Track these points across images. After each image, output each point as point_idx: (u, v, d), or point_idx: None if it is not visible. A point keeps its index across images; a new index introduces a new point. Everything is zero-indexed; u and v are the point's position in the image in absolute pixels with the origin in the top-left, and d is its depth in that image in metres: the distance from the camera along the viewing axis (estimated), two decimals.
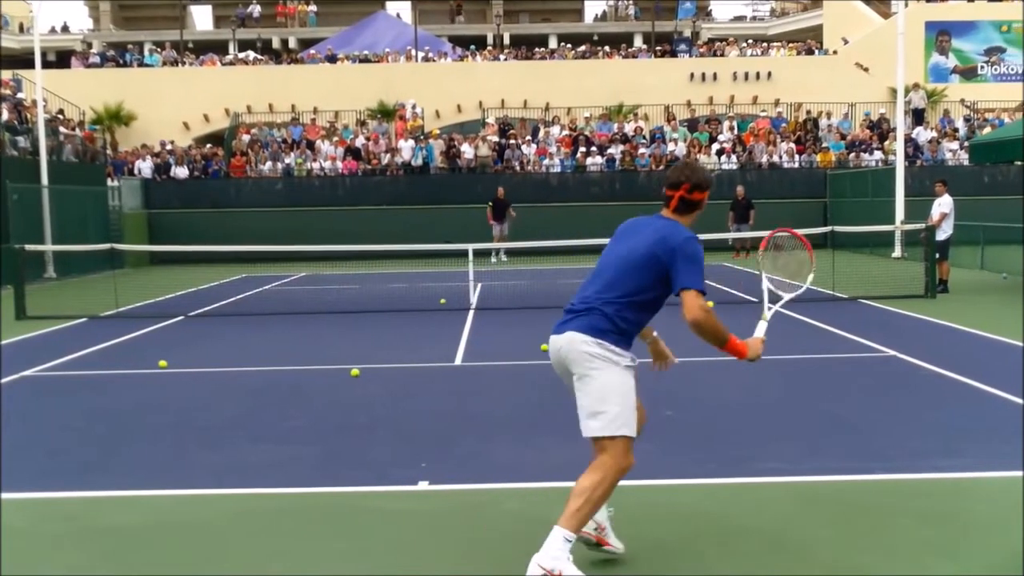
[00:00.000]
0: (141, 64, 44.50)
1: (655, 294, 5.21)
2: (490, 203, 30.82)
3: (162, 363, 12.29)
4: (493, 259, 29.68)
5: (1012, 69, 43.58)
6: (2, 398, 10.40)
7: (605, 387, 5.08)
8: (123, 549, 5.89)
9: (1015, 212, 23.86)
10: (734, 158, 36.03)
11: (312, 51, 47.82)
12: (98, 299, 19.32)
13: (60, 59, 51.49)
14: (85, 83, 40.10)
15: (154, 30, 60.84)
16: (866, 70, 41.71)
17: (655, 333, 5.55)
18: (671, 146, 36.48)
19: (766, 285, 5.86)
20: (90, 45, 56.50)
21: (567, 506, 5.01)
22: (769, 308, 5.66)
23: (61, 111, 34.30)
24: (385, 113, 39.49)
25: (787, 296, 5.85)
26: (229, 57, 47.64)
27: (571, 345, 5.16)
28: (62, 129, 31.52)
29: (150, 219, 33.42)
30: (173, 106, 40.14)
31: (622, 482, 5.27)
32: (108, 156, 36.20)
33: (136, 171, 34.90)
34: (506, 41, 56.55)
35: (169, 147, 36.70)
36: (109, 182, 32.00)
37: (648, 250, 5.18)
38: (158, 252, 30.59)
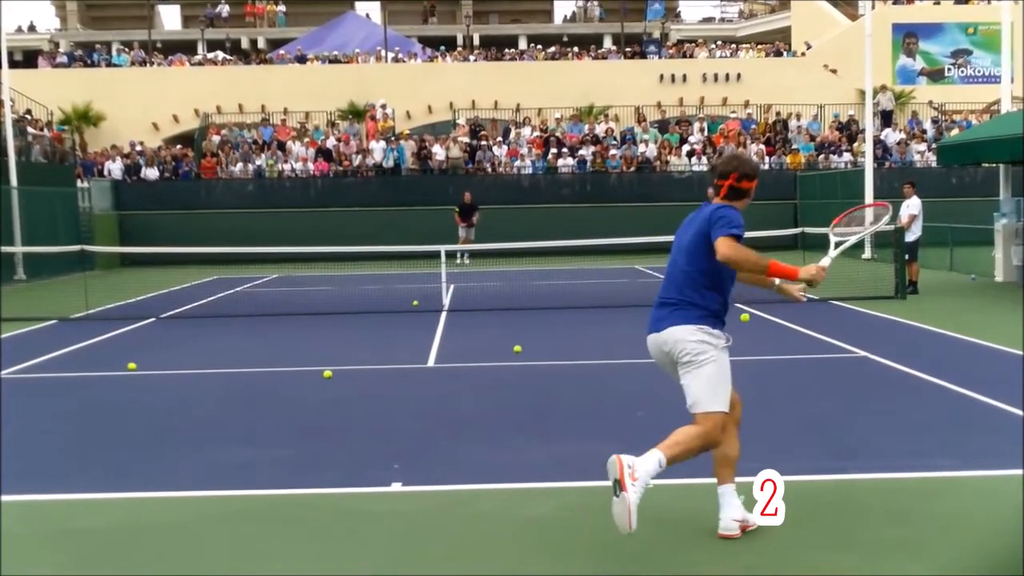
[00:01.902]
0: (109, 64, 44.25)
1: (720, 266, 5.67)
2: (457, 208, 30.77)
3: (131, 365, 12.21)
4: (458, 260, 29.60)
5: (979, 71, 43.95)
6: None
7: (704, 371, 5.61)
8: (96, 551, 5.87)
9: (983, 213, 24.03)
10: (704, 159, 36.17)
11: (281, 51, 47.70)
12: (68, 301, 19.22)
13: (27, 59, 51.14)
14: (53, 83, 39.84)
15: (122, 30, 60.50)
16: (834, 72, 41.96)
17: (777, 281, 6.00)
18: (642, 147, 36.60)
19: (833, 239, 6.40)
20: (57, 45, 56.15)
21: (668, 438, 5.54)
22: (836, 247, 6.25)
23: (29, 111, 34.07)
24: (356, 114, 39.43)
25: (859, 230, 6.49)
26: (198, 57, 47.48)
27: (675, 340, 5.67)
28: (30, 130, 31.32)
29: (121, 220, 33.25)
30: (142, 106, 39.92)
31: (594, 482, 5.72)
32: (77, 157, 35.99)
33: (106, 172, 34.73)
34: (476, 42, 56.56)
35: (139, 148, 36.55)
36: (79, 183, 31.82)
37: (698, 232, 5.74)
38: (129, 254, 30.46)
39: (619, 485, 5.26)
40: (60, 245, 24.68)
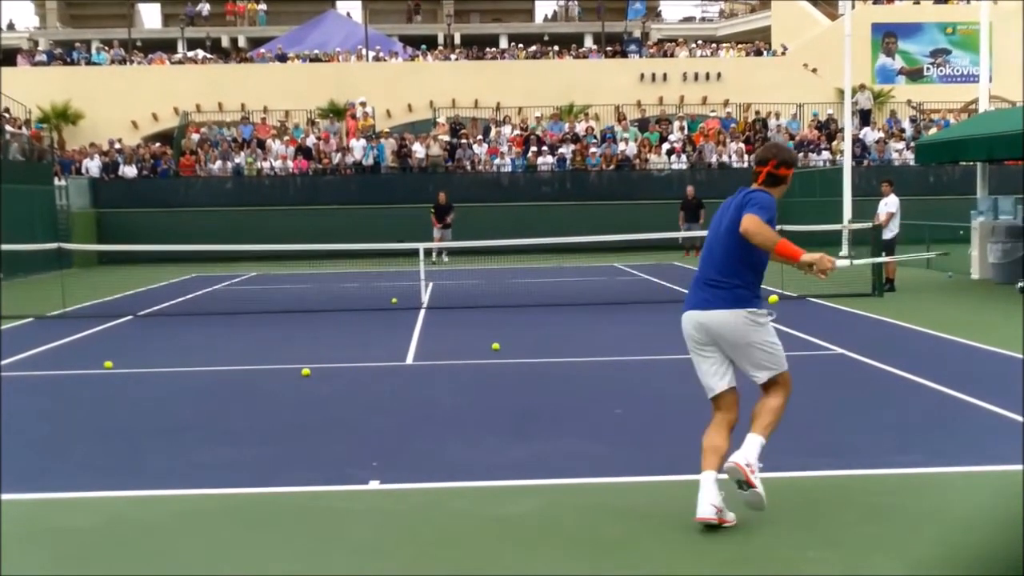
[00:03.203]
0: (88, 62, 43.98)
1: (755, 246, 5.98)
2: (432, 208, 30.68)
3: (107, 364, 12.17)
4: (434, 258, 29.33)
5: (957, 70, 44.17)
6: None
7: (764, 346, 6.06)
8: (74, 550, 5.85)
9: (960, 211, 24.15)
10: (684, 158, 36.23)
11: (262, 50, 47.51)
12: (45, 299, 19.13)
13: (6, 57, 50.68)
14: (32, 81, 39.65)
15: (101, 28, 60.17)
16: (814, 71, 42.09)
17: (804, 261, 6.00)
18: (621, 146, 36.61)
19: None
20: (37, 43, 55.83)
21: (758, 421, 6.07)
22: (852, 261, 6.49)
23: (7, 109, 33.91)
24: (336, 112, 39.35)
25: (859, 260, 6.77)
26: (178, 56, 47.23)
27: (725, 323, 6.01)
28: (8, 128, 31.18)
29: (98, 218, 33.08)
30: (121, 105, 39.74)
31: (571, 480, 6.09)
32: (55, 155, 35.81)
33: (84, 170, 34.54)
34: (457, 41, 56.48)
35: (117, 146, 36.35)
36: (56, 181, 31.62)
37: (737, 216, 6.00)
38: (106, 252, 30.29)
39: (747, 484, 5.81)
40: (37, 243, 24.51)
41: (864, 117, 39.68)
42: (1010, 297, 17.71)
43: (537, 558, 5.52)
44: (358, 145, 35.65)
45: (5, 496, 6.84)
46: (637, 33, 54.87)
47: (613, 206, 32.95)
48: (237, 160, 35.39)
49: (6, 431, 8.85)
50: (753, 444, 5.96)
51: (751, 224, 5.82)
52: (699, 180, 33.57)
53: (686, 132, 38.10)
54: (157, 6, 68.69)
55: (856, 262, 6.47)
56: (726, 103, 40.99)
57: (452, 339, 14.30)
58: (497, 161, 35.78)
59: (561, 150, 36.12)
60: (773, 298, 15.22)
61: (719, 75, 42.56)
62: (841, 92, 32.85)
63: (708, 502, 5.81)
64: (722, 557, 5.49)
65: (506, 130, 37.95)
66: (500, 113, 40.26)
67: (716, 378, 6.14)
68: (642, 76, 42.37)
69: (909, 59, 44.28)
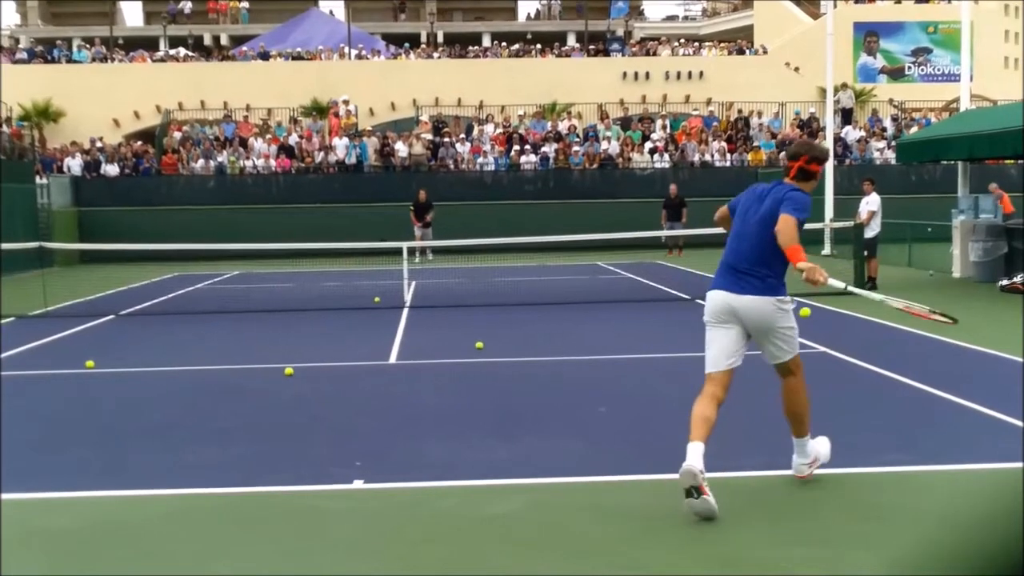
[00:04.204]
0: (70, 60, 43.79)
1: None
2: (411, 206, 30.64)
3: (89, 363, 12.12)
4: (417, 259, 29.17)
5: (938, 69, 44.37)
6: None
7: (786, 331, 6.51)
8: (58, 551, 5.83)
9: (941, 210, 24.26)
10: (667, 156, 36.29)
11: (244, 48, 47.42)
12: (26, 298, 19.05)
13: None
14: (12, 79, 39.34)
15: (83, 26, 59.97)
16: (796, 70, 42.21)
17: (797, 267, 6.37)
18: (604, 144, 36.67)
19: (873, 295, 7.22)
20: (17, 41, 55.63)
21: (795, 425, 6.66)
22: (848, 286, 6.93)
23: None
24: (318, 111, 39.29)
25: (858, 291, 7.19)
26: (160, 54, 47.05)
27: (754, 308, 6.39)
28: None
29: (80, 217, 32.95)
30: (103, 103, 39.60)
31: (555, 479, 6.28)
32: (37, 153, 35.65)
33: (65, 168, 34.42)
34: (440, 39, 56.48)
35: (99, 144, 36.22)
36: (38, 179, 31.47)
37: (771, 209, 6.37)
38: (88, 250, 30.17)
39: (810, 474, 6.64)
40: (18, 242, 24.42)
41: (846, 116, 39.83)
42: (991, 296, 17.81)
43: (522, 557, 5.52)
44: (341, 143, 35.61)
45: None
46: (620, 32, 54.90)
47: (596, 205, 33.01)
48: (219, 159, 35.31)
49: None
50: (800, 445, 6.67)
51: (785, 227, 6.21)
52: (682, 179, 33.64)
53: (668, 131, 38.18)
54: (139, 4, 68.51)
55: (852, 289, 6.66)
56: (708, 102, 41.09)
57: (436, 338, 14.29)
58: (480, 160, 35.78)
59: (544, 149, 36.15)
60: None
61: (701, 74, 42.66)
62: (823, 91, 33.01)
63: (694, 459, 5.98)
64: (707, 554, 5.51)
65: (489, 129, 37.96)
66: (483, 112, 40.27)
67: (723, 356, 6.47)
68: (625, 75, 42.44)
69: (890, 58, 44.46)
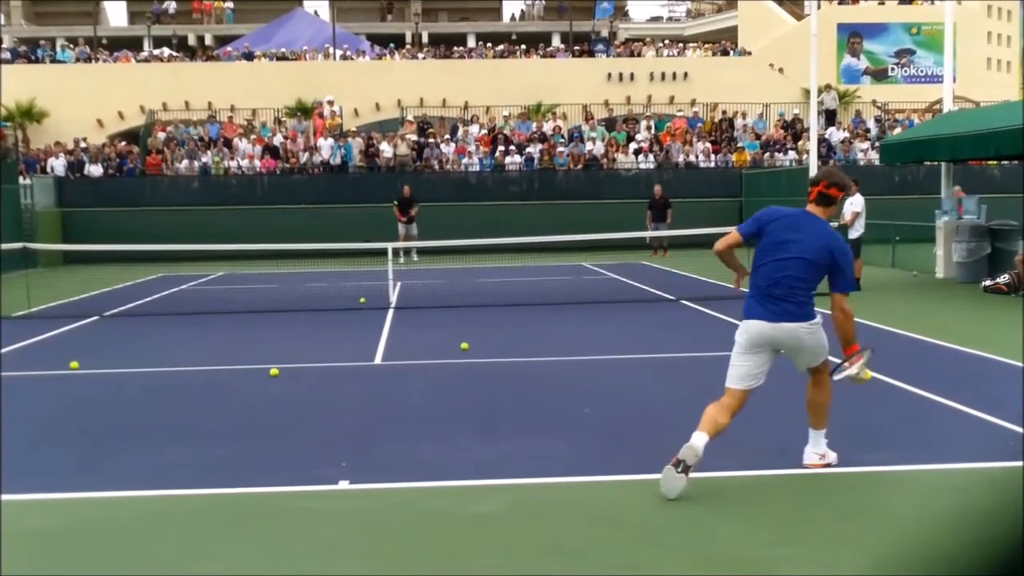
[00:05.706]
0: (53, 60, 43.61)
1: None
2: (395, 201, 30.59)
3: (73, 364, 12.09)
4: (401, 259, 28.92)
5: (921, 71, 44.54)
6: None
7: (816, 348, 6.97)
8: (42, 552, 5.82)
9: (925, 211, 24.33)
10: (651, 157, 36.34)
11: (229, 48, 47.29)
12: (9, 299, 18.94)
13: None
14: None
15: (66, 26, 59.81)
16: (780, 71, 42.33)
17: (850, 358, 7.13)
18: (589, 145, 36.70)
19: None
20: (0, 41, 55.36)
21: (813, 417, 7.14)
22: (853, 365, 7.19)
23: None
24: (303, 111, 39.23)
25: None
26: (144, 54, 46.92)
27: (790, 334, 6.82)
28: None
29: (64, 217, 32.84)
30: (86, 103, 39.45)
31: (540, 479, 6.48)
32: (20, 153, 35.49)
33: (49, 169, 34.27)
34: (424, 40, 56.46)
35: (83, 145, 36.09)
36: (21, 180, 31.34)
37: (824, 253, 6.79)
38: (72, 251, 30.07)
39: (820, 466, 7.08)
40: (2, 242, 24.32)
41: (829, 117, 39.97)
42: (974, 297, 17.89)
43: (507, 557, 5.53)
44: (326, 144, 35.56)
45: None
46: (604, 32, 55.00)
47: (581, 205, 33.03)
48: (204, 159, 35.21)
49: None
50: (816, 438, 7.13)
51: (840, 318, 6.90)
52: (666, 179, 33.67)
53: (653, 131, 38.21)
54: (123, 4, 68.33)
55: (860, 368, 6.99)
56: (693, 103, 41.14)
57: (421, 339, 14.29)
58: (465, 160, 35.78)
59: (529, 149, 36.15)
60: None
61: (686, 75, 42.72)
62: (807, 92, 33.05)
63: (695, 446, 6.40)
64: (692, 554, 5.53)
65: (474, 129, 37.96)
66: (468, 112, 40.26)
67: (747, 378, 6.83)
68: (609, 76, 42.47)
69: (874, 59, 44.61)
